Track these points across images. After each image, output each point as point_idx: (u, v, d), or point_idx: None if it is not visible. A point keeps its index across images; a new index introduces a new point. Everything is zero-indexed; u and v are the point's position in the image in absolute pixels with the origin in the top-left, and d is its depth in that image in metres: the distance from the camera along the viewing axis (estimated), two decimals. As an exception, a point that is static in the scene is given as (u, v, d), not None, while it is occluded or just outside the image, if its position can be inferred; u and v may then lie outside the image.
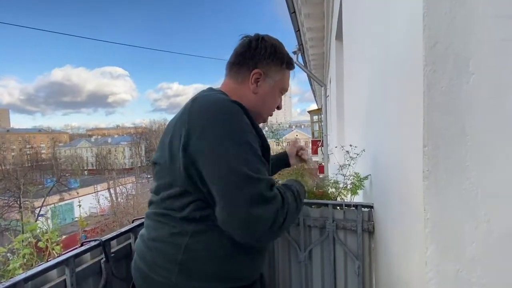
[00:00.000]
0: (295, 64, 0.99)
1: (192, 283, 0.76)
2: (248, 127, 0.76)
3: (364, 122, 1.55)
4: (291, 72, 0.99)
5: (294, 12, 4.53)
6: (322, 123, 7.10)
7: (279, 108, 1.01)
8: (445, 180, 0.63)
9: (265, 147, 0.83)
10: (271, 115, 1.01)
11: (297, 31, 5.25)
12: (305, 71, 6.56)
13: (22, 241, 1.53)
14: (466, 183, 0.62)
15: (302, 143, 1.40)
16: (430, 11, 0.61)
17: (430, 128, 0.63)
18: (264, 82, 0.91)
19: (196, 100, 0.80)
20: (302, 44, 5.89)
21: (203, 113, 0.76)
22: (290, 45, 6.15)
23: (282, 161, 1.32)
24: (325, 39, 5.44)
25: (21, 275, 0.80)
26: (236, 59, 0.91)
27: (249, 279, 0.85)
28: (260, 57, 0.89)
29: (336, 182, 1.62)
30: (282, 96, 1.02)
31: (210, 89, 0.92)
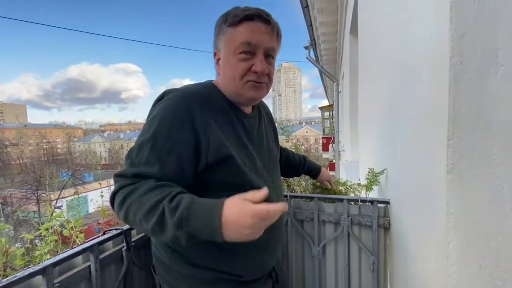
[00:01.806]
0: (251, 15, 0.78)
1: (181, 265, 0.83)
2: (178, 121, 0.74)
3: (381, 116, 1.53)
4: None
5: (307, 6, 4.47)
6: (333, 120, 7.03)
7: (256, 71, 0.79)
8: (469, 174, 0.62)
9: (200, 149, 0.76)
10: (247, 85, 0.82)
11: (310, 25, 5.18)
12: (316, 66, 6.49)
13: (47, 229, 1.60)
14: (492, 177, 0.61)
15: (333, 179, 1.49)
16: (457, 1, 0.60)
17: (455, 121, 0.62)
18: (221, 57, 0.84)
19: None
20: (314, 39, 5.81)
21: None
22: (302, 40, 6.10)
23: (313, 172, 1.41)
24: (338, 33, 5.35)
25: (50, 260, 0.84)
26: None
27: (247, 274, 0.85)
28: (214, 38, 0.85)
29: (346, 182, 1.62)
30: (262, 58, 0.81)
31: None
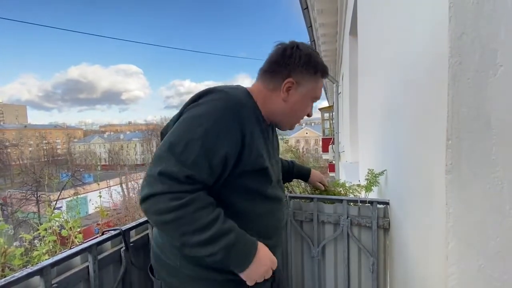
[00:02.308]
0: (327, 74, 0.97)
1: (193, 268, 0.82)
2: (229, 124, 0.75)
3: (381, 117, 1.53)
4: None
5: (307, 8, 4.48)
6: (333, 121, 7.03)
7: (309, 115, 0.99)
8: (469, 174, 0.62)
9: (243, 159, 0.78)
10: (298, 122, 1.01)
11: (309, 27, 5.19)
12: (316, 68, 6.48)
13: (46, 229, 1.59)
14: (491, 177, 0.60)
15: (325, 180, 1.50)
16: (456, 2, 0.60)
17: (454, 121, 0.62)
18: (295, 91, 0.90)
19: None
20: (314, 40, 5.82)
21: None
22: (302, 41, 6.08)
23: (303, 175, 1.41)
24: (338, 35, 5.36)
25: (48, 260, 0.84)
26: (269, 67, 0.90)
27: None
28: (294, 66, 0.88)
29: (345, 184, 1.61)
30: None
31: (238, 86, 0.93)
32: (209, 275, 0.82)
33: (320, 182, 1.44)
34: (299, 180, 1.52)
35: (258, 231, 0.83)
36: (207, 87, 0.84)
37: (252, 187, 0.83)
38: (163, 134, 0.87)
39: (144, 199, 0.71)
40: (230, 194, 0.81)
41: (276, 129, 1.04)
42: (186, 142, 0.72)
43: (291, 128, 0.99)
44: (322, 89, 0.98)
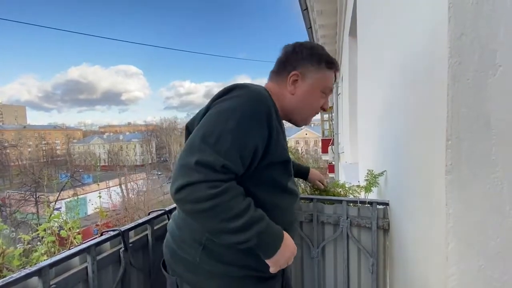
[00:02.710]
0: (337, 67, 0.99)
1: (213, 264, 0.83)
2: (259, 117, 0.78)
3: (380, 117, 1.53)
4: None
5: (306, 9, 4.50)
6: (332, 122, 7.03)
7: (324, 109, 0.99)
8: (468, 174, 0.62)
9: (270, 151, 0.81)
10: (313, 115, 1.01)
11: (309, 28, 5.20)
12: (316, 69, 6.49)
13: (45, 230, 1.59)
14: (491, 177, 0.60)
15: (325, 180, 1.51)
16: (456, 2, 0.60)
17: (454, 121, 0.62)
18: (302, 82, 0.93)
19: None
20: (314, 41, 5.83)
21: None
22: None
23: (302, 173, 1.43)
24: (337, 36, 5.38)
25: (47, 261, 0.84)
26: (277, 67, 0.98)
27: (268, 272, 0.86)
28: (298, 59, 0.93)
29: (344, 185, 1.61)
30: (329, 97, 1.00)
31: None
32: (229, 271, 0.84)
33: (319, 181, 1.45)
34: (299, 179, 1.51)
35: (278, 224, 0.84)
36: (233, 84, 0.85)
37: (276, 180, 0.86)
38: (188, 127, 0.91)
39: (179, 189, 0.72)
40: (254, 186, 0.83)
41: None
42: (219, 133, 0.74)
43: (306, 122, 1.01)
44: (333, 82, 0.98)
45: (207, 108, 0.83)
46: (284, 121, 1.10)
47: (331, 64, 0.96)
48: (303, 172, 1.42)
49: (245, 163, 0.77)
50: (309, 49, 0.94)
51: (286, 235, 0.83)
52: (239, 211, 0.73)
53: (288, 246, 0.83)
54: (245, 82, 0.87)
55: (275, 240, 0.80)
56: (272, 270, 0.82)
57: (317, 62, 0.94)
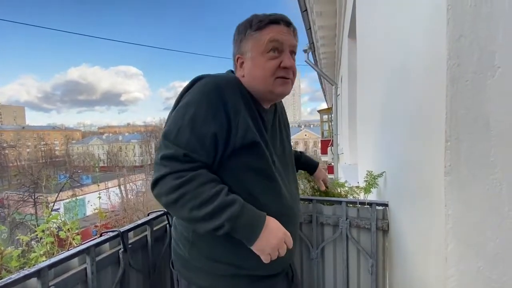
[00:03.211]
0: (276, 19, 0.85)
1: (202, 260, 0.86)
2: (213, 106, 0.79)
3: (380, 119, 1.53)
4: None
5: (306, 10, 4.50)
6: (332, 123, 7.04)
7: (286, 66, 0.85)
8: (468, 175, 0.62)
9: (231, 133, 0.80)
10: (275, 80, 0.86)
11: (308, 29, 5.21)
12: (315, 69, 6.52)
13: (43, 231, 1.58)
14: (490, 178, 0.61)
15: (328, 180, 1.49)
16: (454, 4, 0.61)
17: (453, 123, 0.62)
18: (246, 60, 0.89)
19: None
20: (313, 42, 5.84)
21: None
22: (301, 43, 6.12)
23: (310, 167, 1.38)
24: (336, 37, 5.39)
25: (45, 262, 0.84)
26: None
27: (264, 269, 0.85)
28: (236, 43, 0.91)
29: (344, 184, 1.61)
30: (289, 55, 0.87)
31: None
32: (217, 268, 0.84)
33: (323, 181, 1.43)
34: (300, 180, 1.50)
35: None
36: (196, 76, 0.88)
37: (249, 165, 0.83)
38: None
39: (153, 185, 0.78)
40: (229, 175, 0.82)
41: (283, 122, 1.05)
42: (178, 129, 0.79)
43: (276, 92, 0.88)
44: (282, 35, 0.85)
45: (175, 106, 0.86)
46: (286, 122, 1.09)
47: (260, 23, 0.85)
48: (310, 165, 1.37)
49: (209, 151, 0.79)
50: (238, 27, 0.90)
51: (270, 219, 0.79)
52: (208, 197, 0.73)
53: (273, 231, 0.77)
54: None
55: (253, 224, 0.76)
56: (264, 259, 0.77)
57: (245, 33, 0.87)
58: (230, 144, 0.81)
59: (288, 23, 0.87)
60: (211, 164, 0.81)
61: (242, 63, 0.90)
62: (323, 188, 1.45)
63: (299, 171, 1.40)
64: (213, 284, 0.86)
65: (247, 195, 0.81)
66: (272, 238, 0.77)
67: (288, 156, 1.02)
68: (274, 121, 0.97)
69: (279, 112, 1.03)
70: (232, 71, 0.96)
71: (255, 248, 0.76)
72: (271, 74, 0.85)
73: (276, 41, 0.84)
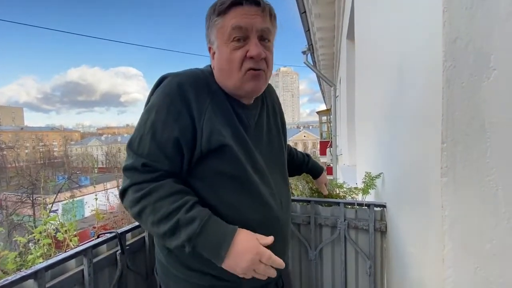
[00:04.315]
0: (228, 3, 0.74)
1: (178, 268, 0.81)
2: (174, 109, 0.73)
3: (377, 120, 1.54)
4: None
5: (305, 12, 4.52)
6: (331, 124, 7.05)
7: (252, 55, 0.74)
8: (464, 177, 0.62)
9: (195, 136, 0.74)
10: (241, 73, 0.76)
11: (307, 31, 5.23)
12: (314, 71, 6.53)
13: (40, 232, 1.58)
14: (486, 180, 0.61)
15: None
16: (450, 6, 0.61)
17: (449, 124, 0.62)
18: (216, 50, 0.79)
19: None
20: (312, 44, 5.86)
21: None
22: (300, 44, 6.15)
23: (315, 172, 1.32)
24: (335, 39, 5.40)
25: (42, 264, 0.83)
26: None
27: (246, 281, 0.74)
28: (206, 34, 0.82)
29: (342, 185, 1.61)
30: (256, 42, 0.75)
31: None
32: (192, 277, 0.79)
33: (325, 184, 1.42)
34: (298, 181, 1.50)
35: (237, 224, 0.73)
36: (161, 76, 0.81)
37: (220, 170, 0.75)
38: None
39: (121, 198, 0.76)
40: (199, 182, 0.76)
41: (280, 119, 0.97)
42: (140, 137, 0.75)
43: (244, 89, 0.78)
44: (246, 18, 0.74)
45: (145, 105, 0.81)
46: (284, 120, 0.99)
47: (221, 6, 0.75)
48: (316, 169, 1.32)
49: (172, 158, 0.73)
50: (208, 11, 0.79)
51: (240, 237, 0.68)
52: (166, 213, 0.68)
53: (240, 254, 0.66)
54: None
55: (215, 246, 0.67)
56: (242, 276, 0.69)
57: (210, 19, 0.78)
58: (197, 149, 0.74)
59: (255, 2, 0.74)
60: (179, 172, 0.75)
61: (214, 53, 0.80)
62: (326, 192, 1.43)
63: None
64: None
65: (223, 205, 0.75)
66: (240, 262, 0.67)
67: (278, 155, 0.91)
68: (260, 116, 0.87)
69: (267, 104, 0.92)
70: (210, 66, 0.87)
71: (226, 267, 0.68)
72: (237, 67, 0.75)
73: (239, 28, 0.73)
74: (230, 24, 0.73)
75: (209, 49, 0.82)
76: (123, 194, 0.74)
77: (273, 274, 0.70)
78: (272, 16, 0.79)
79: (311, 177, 1.41)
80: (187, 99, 0.74)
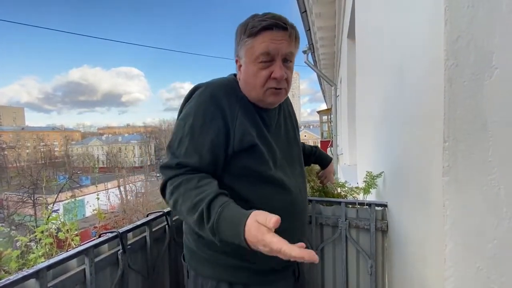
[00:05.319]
0: (269, 25, 0.82)
1: (206, 251, 0.89)
2: (209, 114, 0.84)
3: (378, 119, 1.54)
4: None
5: (305, 11, 4.51)
6: (331, 124, 7.05)
7: (276, 77, 0.84)
8: (465, 176, 0.62)
9: (229, 137, 0.84)
10: (264, 90, 0.86)
11: (308, 30, 5.22)
12: (314, 70, 6.52)
13: (42, 232, 1.58)
14: (487, 179, 0.61)
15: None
16: (451, 5, 0.61)
17: (451, 123, 0.62)
18: (243, 64, 0.89)
19: None
20: (312, 43, 5.85)
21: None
22: (300, 44, 6.12)
23: (323, 161, 1.44)
24: (336, 38, 5.40)
25: (44, 263, 0.83)
26: None
27: (265, 263, 0.86)
28: (236, 45, 0.91)
29: (343, 184, 1.61)
30: (281, 65, 0.85)
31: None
32: (221, 259, 0.87)
33: (325, 177, 1.49)
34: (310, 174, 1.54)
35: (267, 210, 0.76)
36: (195, 85, 0.92)
37: (249, 168, 0.86)
38: None
39: (161, 194, 0.86)
40: (231, 179, 0.86)
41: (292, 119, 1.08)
42: (179, 139, 0.84)
43: (265, 101, 0.89)
44: (274, 43, 0.82)
45: (178, 115, 0.91)
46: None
47: (252, 29, 0.83)
48: (324, 159, 1.43)
49: (205, 157, 0.82)
50: (237, 29, 0.89)
51: (249, 228, 0.65)
52: (192, 204, 0.75)
53: (254, 242, 0.64)
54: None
55: (236, 235, 0.67)
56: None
57: (239, 38, 0.88)
58: (230, 147, 0.84)
59: (283, 27, 0.83)
60: (209, 169, 0.84)
61: (240, 66, 0.92)
62: (333, 181, 1.50)
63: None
64: (215, 274, 0.88)
65: (252, 194, 0.86)
66: (257, 244, 0.65)
67: (295, 151, 1.04)
68: (279, 118, 1.00)
69: (283, 107, 1.05)
70: (235, 74, 0.98)
71: (250, 244, 0.65)
72: (261, 84, 0.86)
73: (267, 54, 0.83)
74: (259, 49, 0.83)
75: (236, 61, 0.93)
76: (163, 190, 0.84)
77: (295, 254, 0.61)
78: (296, 38, 0.89)
79: (312, 176, 1.46)
80: (220, 106, 0.85)
